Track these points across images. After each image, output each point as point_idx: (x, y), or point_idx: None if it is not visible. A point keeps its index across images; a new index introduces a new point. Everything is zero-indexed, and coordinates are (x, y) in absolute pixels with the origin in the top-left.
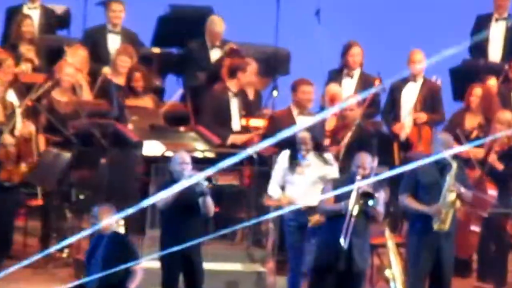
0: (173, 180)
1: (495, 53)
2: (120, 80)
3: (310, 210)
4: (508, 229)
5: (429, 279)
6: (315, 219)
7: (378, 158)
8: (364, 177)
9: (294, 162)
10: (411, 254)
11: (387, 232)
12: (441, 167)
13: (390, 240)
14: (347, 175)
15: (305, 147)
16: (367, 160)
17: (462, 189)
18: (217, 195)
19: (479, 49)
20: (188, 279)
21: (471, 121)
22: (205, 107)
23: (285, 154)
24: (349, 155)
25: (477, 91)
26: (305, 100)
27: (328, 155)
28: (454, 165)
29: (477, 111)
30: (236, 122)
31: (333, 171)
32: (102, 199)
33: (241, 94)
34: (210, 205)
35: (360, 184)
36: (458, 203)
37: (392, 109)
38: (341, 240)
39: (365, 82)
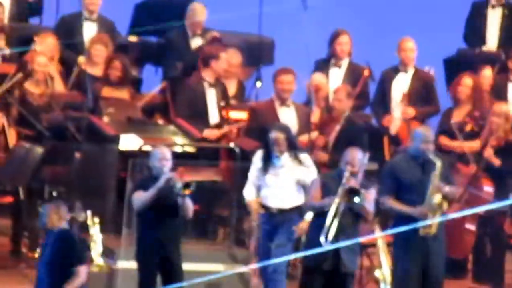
0: (153, 177)
1: (491, 41)
2: (95, 70)
3: (283, 212)
4: (505, 228)
5: (420, 283)
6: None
7: (368, 153)
8: (353, 174)
9: (267, 163)
10: (396, 257)
11: (377, 231)
12: (423, 164)
13: (380, 240)
14: (335, 171)
15: (279, 148)
16: (356, 156)
17: (447, 189)
18: (197, 191)
19: (475, 37)
20: (166, 280)
21: (459, 114)
22: (180, 100)
23: (259, 154)
24: (337, 150)
25: (467, 82)
26: (283, 91)
27: (305, 156)
28: (439, 163)
29: (467, 102)
30: (214, 115)
31: (309, 173)
32: (76, 196)
33: (219, 84)
34: (189, 206)
35: (348, 180)
36: (445, 205)
37: (382, 101)
38: (321, 238)
39: (353, 73)
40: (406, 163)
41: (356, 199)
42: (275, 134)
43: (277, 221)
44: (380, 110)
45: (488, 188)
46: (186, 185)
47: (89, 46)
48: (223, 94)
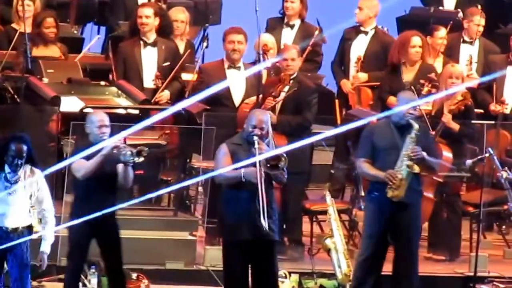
0: (91, 144)
1: (448, 2)
2: (23, 28)
3: None
4: (461, 194)
5: (394, 251)
6: None
7: (319, 116)
8: (262, 137)
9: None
10: (366, 224)
11: (328, 198)
12: (401, 128)
13: (331, 207)
14: (240, 136)
15: (19, 160)
16: (263, 119)
17: (425, 155)
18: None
19: None
20: (105, 248)
21: (409, 74)
22: (116, 61)
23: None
24: (286, 112)
25: (416, 41)
26: (231, 51)
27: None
28: (416, 126)
29: (416, 63)
30: (149, 77)
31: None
32: None
33: (163, 43)
34: (130, 175)
35: (260, 147)
36: (416, 169)
37: (343, 61)
38: (262, 221)
39: (306, 33)
40: (385, 127)
41: (281, 165)
42: (17, 145)
43: None
44: (339, 71)
45: (447, 154)
46: (139, 152)
47: (15, 3)
48: (169, 54)
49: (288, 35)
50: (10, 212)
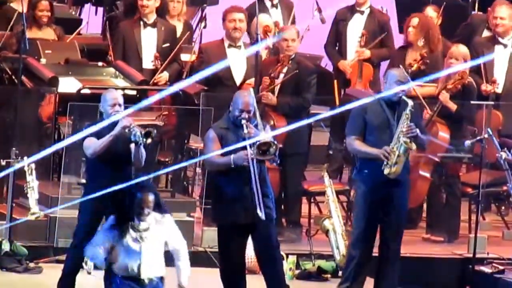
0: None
1: None
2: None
3: None
4: (460, 175)
5: (380, 230)
6: None
7: (317, 96)
8: (249, 119)
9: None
10: (357, 203)
11: (327, 179)
12: (394, 105)
13: (329, 188)
14: (225, 119)
15: (147, 210)
16: (249, 101)
17: (419, 132)
18: None
19: None
20: None
21: (412, 55)
22: (115, 41)
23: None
24: (285, 93)
25: (413, 21)
26: (232, 29)
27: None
28: (410, 103)
29: (417, 43)
30: (148, 58)
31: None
32: (12, 141)
33: (162, 24)
34: (143, 155)
35: (249, 131)
36: (413, 146)
37: (337, 42)
38: (259, 212)
39: (291, 11)
40: (376, 105)
41: (272, 150)
42: (145, 196)
43: None
44: (334, 52)
45: (443, 134)
46: (147, 134)
47: None
48: (168, 35)
49: (275, 15)
50: (143, 261)
